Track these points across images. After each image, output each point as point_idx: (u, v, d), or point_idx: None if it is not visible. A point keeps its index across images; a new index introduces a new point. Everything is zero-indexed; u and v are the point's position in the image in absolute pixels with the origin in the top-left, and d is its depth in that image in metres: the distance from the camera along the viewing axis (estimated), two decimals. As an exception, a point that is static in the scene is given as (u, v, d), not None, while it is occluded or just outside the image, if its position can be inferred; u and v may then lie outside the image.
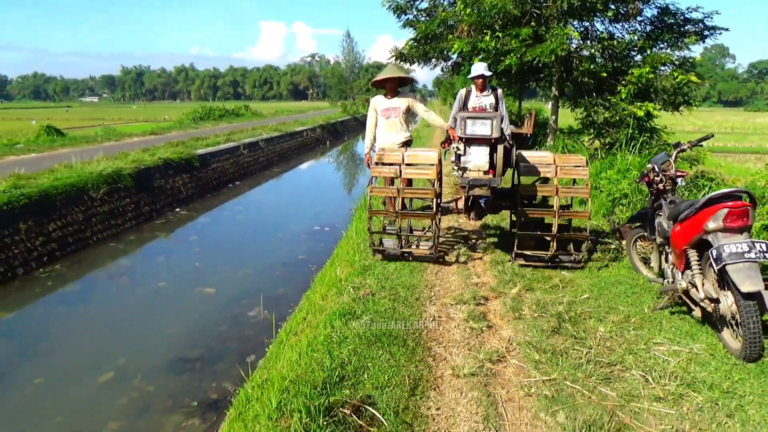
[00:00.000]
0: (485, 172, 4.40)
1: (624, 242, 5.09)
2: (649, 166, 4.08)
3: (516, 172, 5.07)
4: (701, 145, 4.48)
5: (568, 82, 11.79)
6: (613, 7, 10.67)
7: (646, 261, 4.54)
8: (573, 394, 2.69)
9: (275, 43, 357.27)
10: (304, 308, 4.75)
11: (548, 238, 4.85)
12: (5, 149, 16.04)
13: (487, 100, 5.99)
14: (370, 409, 2.45)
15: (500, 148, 4.51)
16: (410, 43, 12.86)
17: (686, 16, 11.37)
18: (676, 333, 3.36)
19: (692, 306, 3.39)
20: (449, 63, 14.14)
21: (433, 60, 13.63)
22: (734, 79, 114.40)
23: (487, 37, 10.18)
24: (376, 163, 5.10)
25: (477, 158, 4.40)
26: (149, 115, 50.47)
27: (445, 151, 5.87)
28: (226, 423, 2.99)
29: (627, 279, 4.46)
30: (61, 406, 5.06)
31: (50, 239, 9.22)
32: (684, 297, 3.45)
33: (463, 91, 6.19)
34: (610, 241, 5.62)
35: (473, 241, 6.13)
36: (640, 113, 10.16)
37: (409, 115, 6.21)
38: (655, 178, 3.93)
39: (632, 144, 9.20)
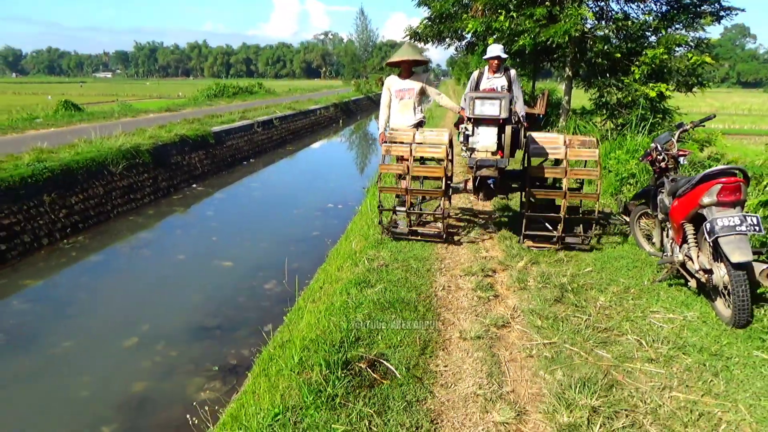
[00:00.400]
0: (493, 153, 4.38)
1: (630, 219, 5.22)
2: (653, 145, 4.24)
3: (526, 153, 5.06)
4: (703, 125, 4.57)
5: (581, 62, 11.78)
6: (630, -15, 10.64)
7: (649, 237, 4.70)
8: (571, 356, 2.91)
9: (288, 20, 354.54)
10: (320, 279, 4.99)
11: (556, 220, 4.87)
12: (25, 124, 16.36)
13: (499, 81, 5.97)
14: (384, 362, 2.69)
15: (508, 129, 4.39)
16: (425, 22, 12.88)
17: (702, -5, 11.27)
18: (672, 303, 3.57)
19: (688, 278, 3.58)
20: (463, 43, 14.15)
21: (447, 39, 13.65)
22: (755, 60, 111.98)
23: (502, 17, 10.19)
24: (387, 142, 5.16)
25: (485, 139, 4.37)
26: (163, 92, 50.62)
27: (458, 133, 5.81)
28: (250, 379, 3.24)
29: (630, 254, 4.65)
30: (89, 367, 5.37)
31: (73, 212, 9.52)
32: (681, 269, 3.64)
33: (476, 73, 6.19)
34: (617, 220, 5.68)
35: (483, 221, 6.19)
36: (653, 94, 10.19)
37: (423, 96, 6.19)
38: (658, 156, 4.09)
39: (642, 125, 9.25)
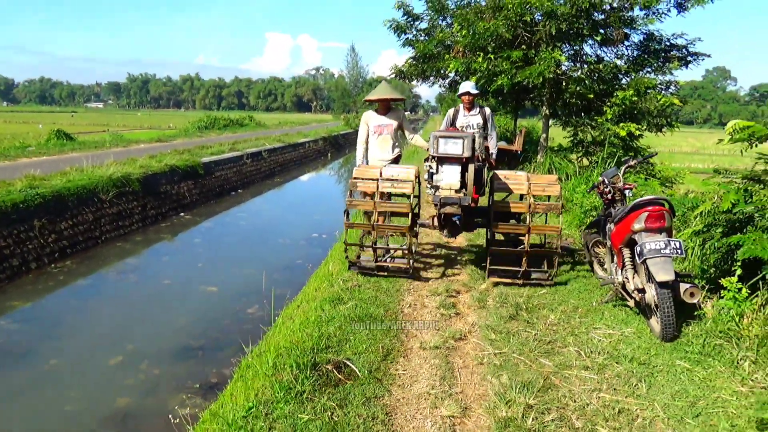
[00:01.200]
0: (456, 191, 4.43)
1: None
2: (600, 178, 4.67)
3: (490, 190, 5.10)
4: (648, 162, 5.05)
5: (558, 102, 12.40)
6: (602, 31, 11.32)
7: (603, 264, 5.10)
8: (517, 363, 3.25)
9: (281, 55, 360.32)
10: (299, 299, 5.30)
11: (520, 255, 4.87)
12: (18, 151, 16.66)
13: (475, 119, 6.11)
14: (349, 364, 3.01)
15: (471, 167, 4.45)
16: (409, 61, 13.51)
17: (671, 42, 12.01)
18: (614, 320, 3.94)
19: (628, 298, 3.97)
20: (446, 81, 14.76)
21: (431, 78, 14.27)
22: (735, 102, 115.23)
23: (480, 59, 10.79)
24: (354, 178, 5.11)
25: (448, 177, 4.44)
26: (154, 123, 51.02)
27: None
28: (229, 386, 3.53)
29: (583, 279, 5.05)
30: (75, 383, 5.60)
31: (62, 237, 9.76)
32: (621, 290, 4.03)
33: (452, 111, 6.33)
34: (581, 252, 5.85)
35: (451, 256, 6.24)
36: (623, 133, 10.79)
37: (399, 131, 6.24)
38: (605, 189, 4.52)
39: (608, 161, 9.77)
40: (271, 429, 2.49)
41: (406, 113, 8.04)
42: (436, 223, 5.21)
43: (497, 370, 3.15)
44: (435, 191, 4.54)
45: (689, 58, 11.99)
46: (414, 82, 14.30)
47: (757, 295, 3.37)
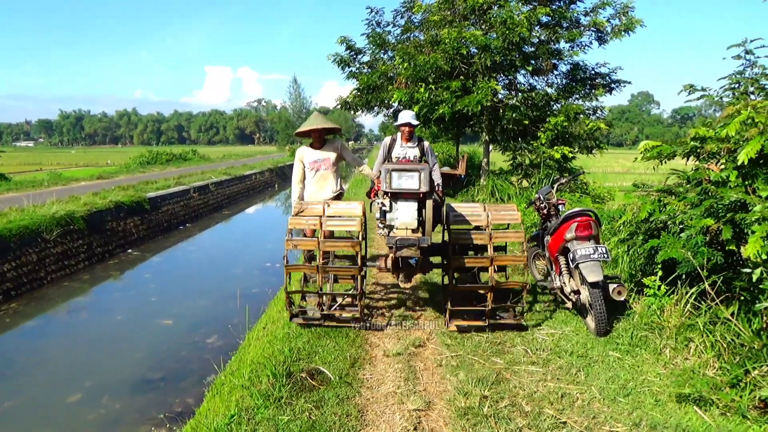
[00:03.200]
0: (413, 230, 3.91)
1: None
2: (536, 195, 5.17)
3: (446, 224, 4.63)
4: (576, 179, 5.59)
5: (496, 128, 13.16)
6: (533, 62, 12.20)
7: (546, 275, 5.55)
8: (472, 363, 3.60)
9: (221, 88, 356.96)
10: (264, 320, 5.47)
11: (483, 292, 4.40)
12: (-52, 194, 15.97)
13: (412, 151, 5.61)
14: (322, 369, 3.29)
15: (429, 203, 3.92)
16: (354, 92, 14.01)
17: (596, 71, 13.07)
18: (555, 321, 4.39)
19: (566, 300, 4.43)
20: (390, 110, 15.33)
21: (376, 108, 14.81)
22: (660, 124, 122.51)
23: (422, 89, 11.40)
24: (294, 215, 4.55)
25: (404, 215, 3.91)
26: (90, 160, 49.59)
27: (371, 203, 5.40)
28: (204, 402, 3.70)
29: (533, 290, 5.48)
30: (35, 422, 5.51)
31: (5, 279, 9.49)
32: (560, 294, 4.49)
33: (388, 140, 5.78)
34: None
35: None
36: (557, 155, 11.60)
37: (339, 164, 5.71)
38: (541, 205, 5.01)
39: (544, 182, 10.46)
40: (255, 430, 2.72)
41: (349, 142, 7.72)
42: (388, 265, 4.59)
43: (455, 370, 3.49)
44: (389, 231, 3.99)
45: (612, 85, 13.08)
46: (359, 112, 14.75)
47: (674, 291, 3.87)
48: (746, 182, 3.41)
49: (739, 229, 3.36)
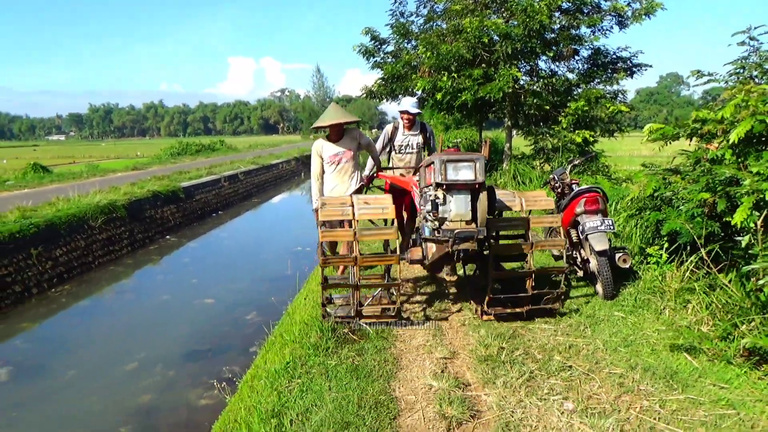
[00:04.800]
0: (467, 222, 3.71)
1: None
2: (551, 176, 5.57)
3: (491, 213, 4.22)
4: (590, 160, 5.92)
5: (518, 114, 13.46)
6: (554, 48, 12.45)
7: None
8: (492, 322, 4.09)
9: (245, 79, 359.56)
10: (303, 293, 5.96)
11: (526, 277, 4.17)
12: (-2, 186, 16.93)
13: (415, 139, 5.62)
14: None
15: (483, 195, 3.72)
16: (378, 81, 14.41)
17: (617, 55, 13.24)
18: (567, 288, 4.82)
19: (578, 269, 4.87)
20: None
21: (400, 96, 15.16)
22: (690, 105, 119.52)
23: (445, 77, 11.76)
24: (323, 205, 4.20)
25: (459, 206, 3.69)
26: (120, 152, 50.73)
27: (366, 189, 5.57)
28: (259, 355, 4.26)
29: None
30: (96, 387, 6.13)
31: (58, 263, 10.24)
32: (573, 264, 4.92)
33: (390, 127, 5.74)
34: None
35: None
36: (578, 139, 11.85)
37: (359, 154, 5.40)
38: (555, 185, 5.41)
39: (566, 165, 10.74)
40: (308, 372, 3.25)
41: (372, 130, 7.05)
42: (414, 256, 4.52)
43: (477, 328, 3.97)
44: (441, 224, 3.75)
45: (634, 69, 13.23)
46: (384, 101, 15.14)
47: (673, 260, 4.27)
48: (739, 159, 3.78)
49: (733, 201, 3.74)
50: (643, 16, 12.15)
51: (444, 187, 3.69)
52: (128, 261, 11.82)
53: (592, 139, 12.29)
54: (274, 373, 3.26)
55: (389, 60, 14.24)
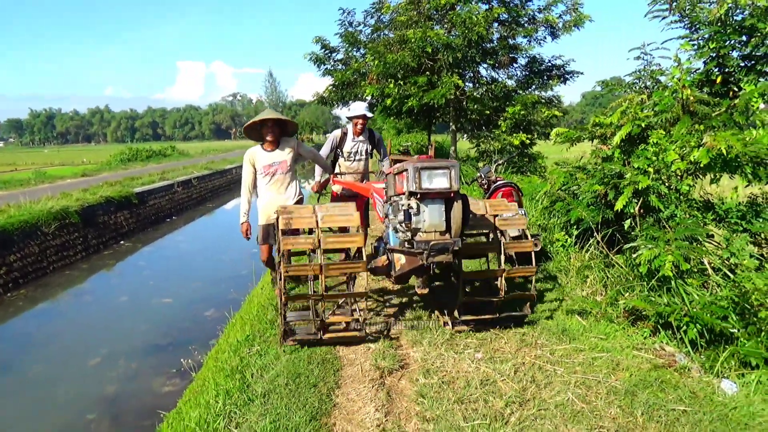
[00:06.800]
0: (441, 233, 3.55)
1: None
2: (478, 174, 6.27)
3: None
4: (513, 161, 6.65)
5: (461, 118, 14.30)
6: (493, 57, 13.33)
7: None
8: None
9: (195, 83, 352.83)
10: (260, 284, 6.48)
11: (496, 278, 4.05)
12: (-61, 194, 16.56)
13: (364, 146, 5.57)
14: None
15: (457, 205, 3.53)
16: (329, 88, 14.98)
17: (552, 63, 14.26)
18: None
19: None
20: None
21: (350, 102, 15.80)
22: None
23: (391, 84, 12.45)
24: (284, 232, 3.81)
25: (433, 216, 3.51)
26: (65, 159, 49.03)
27: (319, 196, 5.64)
28: (223, 334, 4.77)
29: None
30: (62, 380, 6.45)
31: (12, 269, 10.35)
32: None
33: (337, 132, 5.64)
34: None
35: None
36: (516, 142, 12.77)
37: (296, 165, 5.00)
38: (482, 182, 6.11)
39: (508, 167, 11.62)
40: (266, 341, 3.80)
41: (326, 135, 6.81)
42: (401, 272, 4.00)
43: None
44: (413, 235, 3.54)
45: (567, 76, 14.29)
46: (336, 107, 15.70)
47: (577, 243, 5.05)
48: (624, 157, 4.58)
49: (620, 192, 4.52)
50: (573, 27, 13.20)
51: (418, 195, 3.49)
52: (83, 266, 11.97)
53: (528, 141, 13.23)
54: (236, 344, 3.80)
55: (339, 67, 14.82)
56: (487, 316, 4.02)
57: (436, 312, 4.40)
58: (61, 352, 7.39)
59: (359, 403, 2.97)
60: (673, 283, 3.70)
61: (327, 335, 3.79)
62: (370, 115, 5.43)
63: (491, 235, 4.23)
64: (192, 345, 7.30)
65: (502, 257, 3.97)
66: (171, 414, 3.54)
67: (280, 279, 3.65)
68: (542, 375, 3.18)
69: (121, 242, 14.33)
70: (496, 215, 4.16)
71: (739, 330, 3.34)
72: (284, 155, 4.75)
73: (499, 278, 3.96)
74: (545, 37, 13.79)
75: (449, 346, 3.63)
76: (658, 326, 3.70)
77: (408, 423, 2.77)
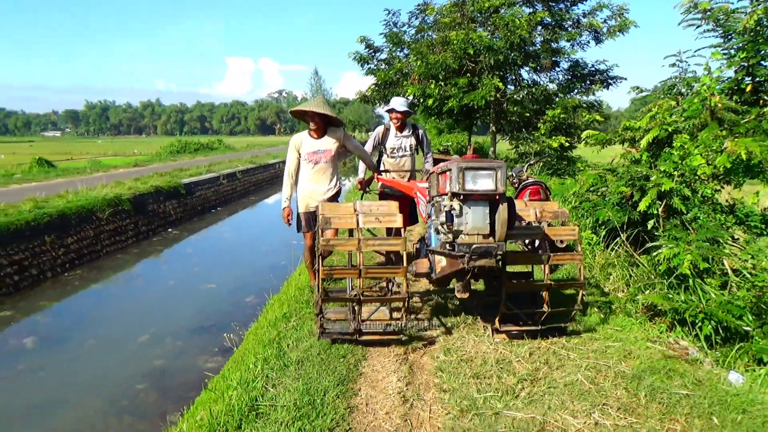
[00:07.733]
0: (484, 236, 3.38)
1: None
2: (510, 173, 6.46)
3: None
4: (551, 163, 6.84)
5: (501, 120, 14.41)
6: (535, 60, 13.41)
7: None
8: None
9: (242, 79, 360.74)
10: (298, 270, 6.82)
11: (541, 294, 3.89)
12: (6, 179, 17.70)
13: (407, 141, 5.44)
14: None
15: (503, 207, 3.32)
16: (372, 87, 15.32)
17: (595, 68, 14.23)
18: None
19: (525, 247, 5.76)
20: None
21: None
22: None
23: (433, 85, 12.70)
24: (324, 214, 3.82)
25: (476, 219, 3.36)
26: (117, 150, 50.84)
27: (363, 194, 5.65)
28: (262, 313, 5.14)
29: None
30: (113, 354, 6.98)
31: (70, 250, 11.07)
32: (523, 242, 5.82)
33: (381, 128, 5.55)
34: None
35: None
36: (555, 144, 12.81)
37: (339, 158, 4.99)
38: (513, 181, 6.30)
39: (544, 169, 11.71)
40: (301, 318, 4.14)
41: (369, 133, 6.60)
42: (420, 269, 4.10)
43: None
44: (455, 238, 3.40)
45: (609, 81, 14.22)
46: (378, 105, 16.02)
47: (604, 242, 5.21)
48: (651, 160, 4.72)
49: (646, 193, 4.66)
50: (617, 33, 13.14)
51: (461, 197, 3.33)
52: (134, 250, 12.66)
53: (567, 144, 13.24)
54: (274, 320, 4.16)
55: (382, 67, 15.14)
56: (530, 327, 3.87)
57: (478, 318, 4.26)
58: (113, 329, 7.93)
59: (383, 373, 3.27)
60: (691, 281, 3.84)
61: (364, 337, 3.77)
62: (401, 109, 5.27)
63: (536, 242, 4.03)
64: (234, 326, 7.80)
65: (547, 268, 3.86)
66: (215, 378, 3.92)
67: (318, 276, 3.66)
68: (555, 358, 3.40)
69: (169, 230, 15.03)
70: (549, 223, 4.00)
71: (754, 329, 3.48)
72: (330, 144, 4.71)
73: (544, 292, 3.82)
74: (589, 42, 13.80)
75: (471, 330, 3.88)
76: (675, 322, 3.85)
77: (426, 392, 3.05)
